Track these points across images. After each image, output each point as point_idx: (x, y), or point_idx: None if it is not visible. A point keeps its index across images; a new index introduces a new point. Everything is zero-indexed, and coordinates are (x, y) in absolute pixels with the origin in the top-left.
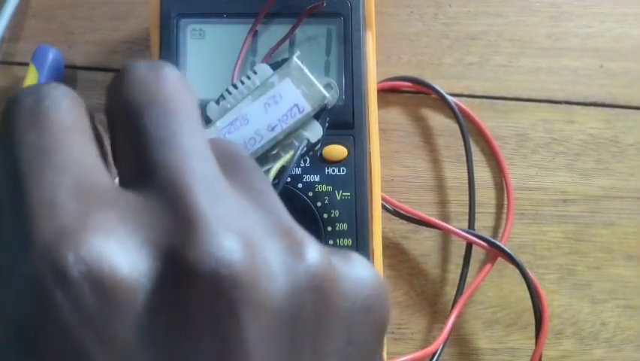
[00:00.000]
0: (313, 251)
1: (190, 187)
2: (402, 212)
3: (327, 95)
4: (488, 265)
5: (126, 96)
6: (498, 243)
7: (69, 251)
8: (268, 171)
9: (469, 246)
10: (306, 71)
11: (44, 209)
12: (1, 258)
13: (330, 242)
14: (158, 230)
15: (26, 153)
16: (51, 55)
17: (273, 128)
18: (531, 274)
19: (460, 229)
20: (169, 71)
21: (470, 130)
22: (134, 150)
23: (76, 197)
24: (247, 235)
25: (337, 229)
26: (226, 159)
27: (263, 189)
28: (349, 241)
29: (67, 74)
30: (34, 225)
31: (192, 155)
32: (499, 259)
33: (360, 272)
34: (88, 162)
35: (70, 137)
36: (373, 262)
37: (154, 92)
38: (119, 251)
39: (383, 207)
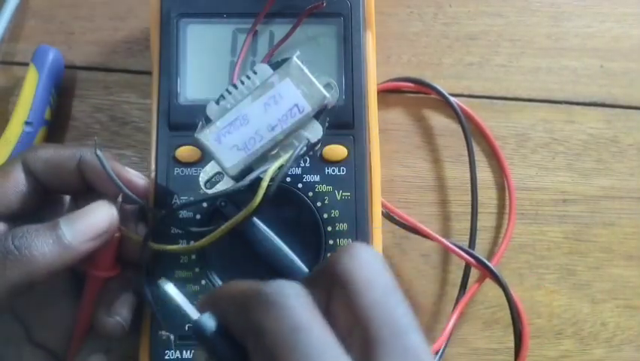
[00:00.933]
0: None
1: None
2: (398, 219)
3: (327, 95)
4: (476, 285)
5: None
6: (487, 263)
7: None
8: (266, 171)
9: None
10: (306, 71)
11: None
12: None
13: (330, 242)
14: None
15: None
16: (51, 55)
17: (273, 128)
18: (515, 297)
19: (454, 244)
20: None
21: (470, 130)
22: None
23: None
24: None
25: (337, 229)
26: None
27: None
28: (349, 242)
29: (67, 74)
30: None
31: None
32: (501, 255)
33: None
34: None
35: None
36: None
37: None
38: None
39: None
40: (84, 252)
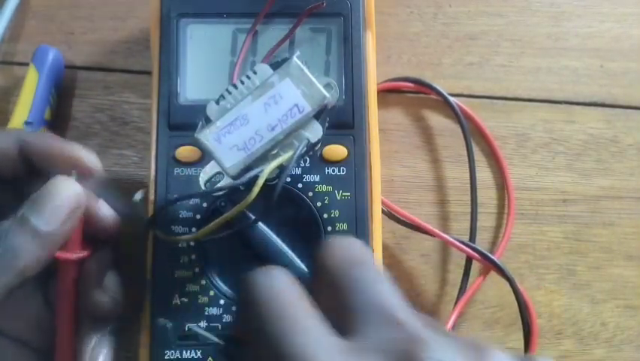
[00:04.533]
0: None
1: (401, 317)
2: (399, 217)
3: (327, 95)
4: (480, 278)
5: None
6: (491, 257)
7: None
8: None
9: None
10: (306, 71)
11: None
12: None
13: None
14: (394, 353)
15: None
16: (51, 55)
17: (273, 128)
18: (522, 289)
19: (456, 239)
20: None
21: (470, 130)
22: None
23: (324, 349)
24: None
25: (337, 229)
26: None
27: None
28: None
29: (67, 74)
30: None
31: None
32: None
33: None
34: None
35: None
36: None
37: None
38: None
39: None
40: (64, 236)
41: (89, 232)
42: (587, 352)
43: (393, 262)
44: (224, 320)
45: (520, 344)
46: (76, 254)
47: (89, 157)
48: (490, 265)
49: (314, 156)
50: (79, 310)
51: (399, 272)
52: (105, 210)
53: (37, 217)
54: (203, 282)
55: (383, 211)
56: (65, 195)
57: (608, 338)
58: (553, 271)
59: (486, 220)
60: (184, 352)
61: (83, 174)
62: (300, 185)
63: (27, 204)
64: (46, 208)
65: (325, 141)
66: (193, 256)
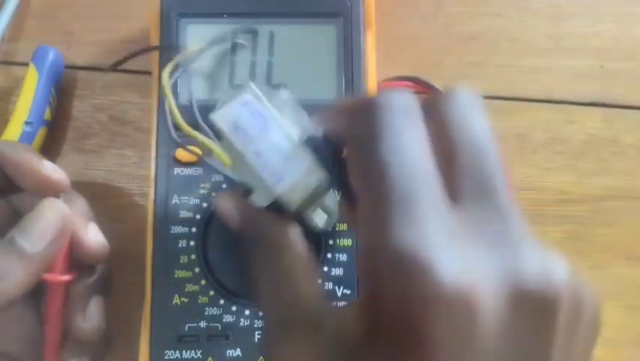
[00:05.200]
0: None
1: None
2: None
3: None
4: None
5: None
6: None
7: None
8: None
9: None
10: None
11: None
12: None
13: (330, 242)
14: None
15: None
16: (51, 55)
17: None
18: None
19: None
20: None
21: None
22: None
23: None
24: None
25: (337, 228)
26: None
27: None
28: (349, 241)
29: (67, 74)
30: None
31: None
32: None
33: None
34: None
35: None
36: None
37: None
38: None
39: None
40: (50, 257)
41: (77, 255)
42: None
43: None
44: (224, 320)
45: None
46: (64, 276)
47: (55, 174)
48: None
49: None
50: (65, 331)
51: None
52: (94, 235)
53: (24, 239)
54: (203, 282)
55: None
56: (52, 217)
57: (608, 338)
58: None
59: None
60: (184, 352)
61: (49, 190)
62: None
63: (15, 227)
64: (33, 230)
65: None
66: (193, 256)
